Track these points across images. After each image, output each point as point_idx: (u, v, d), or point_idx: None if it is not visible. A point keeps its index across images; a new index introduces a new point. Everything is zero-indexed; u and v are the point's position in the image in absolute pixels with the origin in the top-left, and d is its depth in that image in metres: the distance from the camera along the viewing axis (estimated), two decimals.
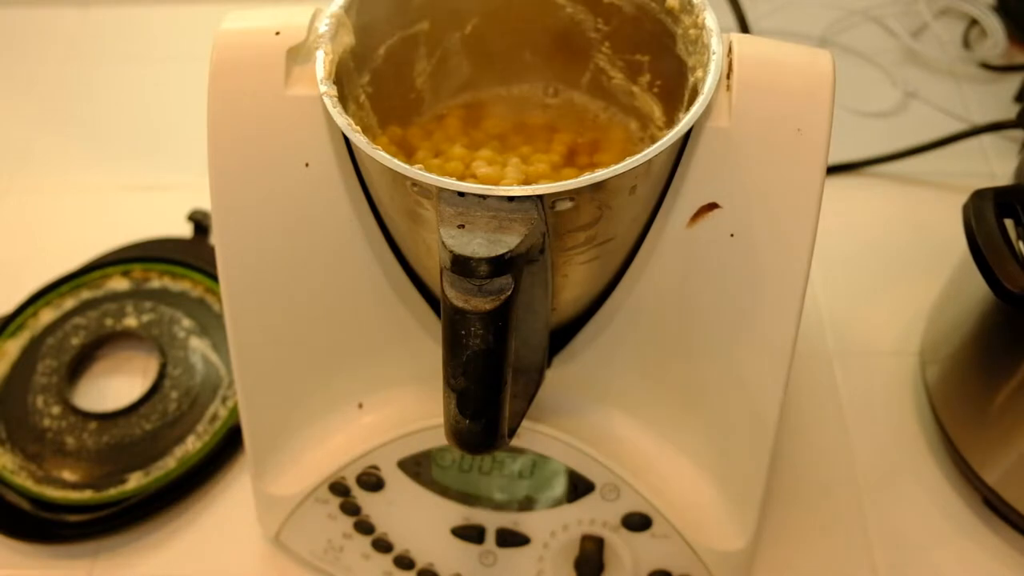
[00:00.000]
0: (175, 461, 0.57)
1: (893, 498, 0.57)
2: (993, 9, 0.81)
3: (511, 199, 0.34)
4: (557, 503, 0.48)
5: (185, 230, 0.68)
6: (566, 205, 0.36)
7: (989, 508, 0.55)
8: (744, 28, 0.76)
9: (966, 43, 0.82)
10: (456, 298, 0.34)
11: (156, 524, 0.56)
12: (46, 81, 0.82)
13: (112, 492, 0.56)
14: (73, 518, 0.55)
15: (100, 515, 0.55)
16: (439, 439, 0.47)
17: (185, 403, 0.59)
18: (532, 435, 0.47)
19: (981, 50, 0.80)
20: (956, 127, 0.72)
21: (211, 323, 0.62)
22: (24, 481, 0.56)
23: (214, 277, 0.64)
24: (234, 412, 0.58)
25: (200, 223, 0.68)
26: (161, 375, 0.60)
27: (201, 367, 0.61)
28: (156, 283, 0.64)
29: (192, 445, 0.57)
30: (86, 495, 0.56)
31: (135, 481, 0.56)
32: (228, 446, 0.58)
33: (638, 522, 0.48)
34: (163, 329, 0.62)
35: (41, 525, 0.55)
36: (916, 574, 0.54)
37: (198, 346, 0.61)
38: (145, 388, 0.60)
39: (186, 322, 0.63)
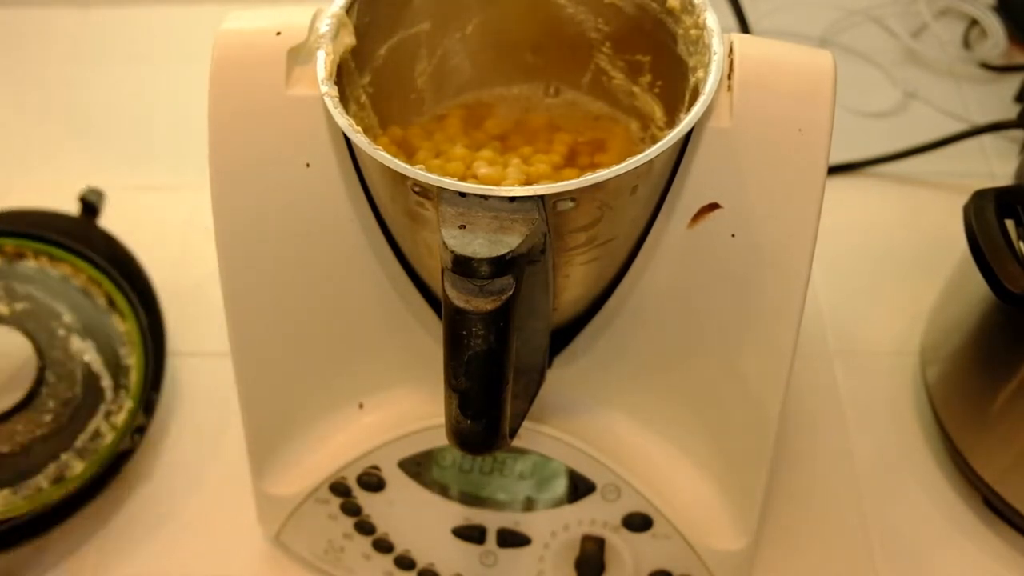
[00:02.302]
0: (48, 481, 0.51)
1: (893, 498, 0.57)
2: (993, 9, 0.81)
3: (512, 199, 0.34)
4: (558, 503, 0.48)
5: (186, 231, 0.68)
6: (567, 205, 0.35)
7: (989, 508, 0.55)
8: (744, 28, 0.76)
9: (966, 43, 0.82)
10: (457, 298, 0.34)
11: (156, 524, 0.56)
12: (46, 81, 0.82)
13: None
14: None
15: None
16: (440, 439, 0.47)
17: (64, 416, 0.52)
18: (533, 435, 0.47)
19: (981, 50, 0.80)
20: (956, 127, 0.72)
21: (95, 321, 0.54)
22: None
23: (99, 267, 0.55)
24: (121, 433, 0.53)
25: (89, 203, 0.57)
26: (38, 381, 0.52)
27: (81, 375, 0.53)
28: (32, 263, 0.54)
29: (71, 467, 0.51)
30: None
31: (2, 500, 0.50)
32: (110, 473, 0.52)
33: (639, 522, 0.48)
34: (40, 324, 0.54)
35: None
36: (916, 574, 0.54)
37: (80, 349, 0.54)
38: (18, 396, 0.53)
39: (67, 318, 0.54)
